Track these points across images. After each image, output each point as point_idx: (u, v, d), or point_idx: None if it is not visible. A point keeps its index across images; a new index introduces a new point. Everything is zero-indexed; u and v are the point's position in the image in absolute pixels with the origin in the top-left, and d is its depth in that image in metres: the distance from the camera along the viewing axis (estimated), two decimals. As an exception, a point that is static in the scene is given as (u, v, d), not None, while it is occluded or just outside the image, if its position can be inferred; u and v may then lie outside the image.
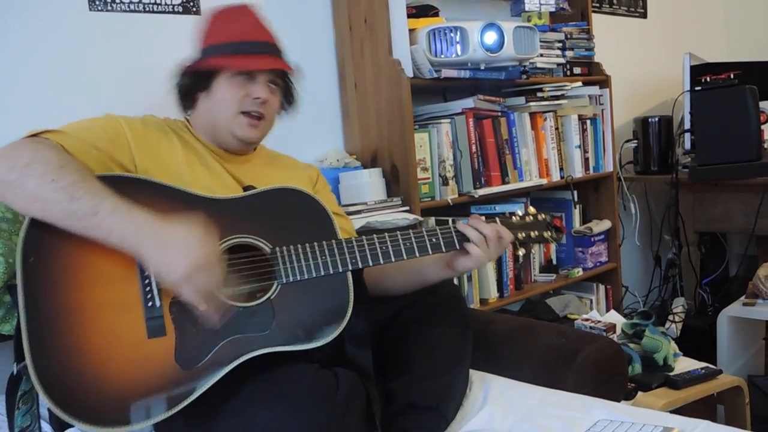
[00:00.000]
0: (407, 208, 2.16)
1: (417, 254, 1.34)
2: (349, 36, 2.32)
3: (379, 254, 1.31)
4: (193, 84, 1.45)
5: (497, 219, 1.43)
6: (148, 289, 1.18)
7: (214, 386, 1.16)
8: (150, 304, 1.17)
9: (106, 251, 1.16)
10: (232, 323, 1.20)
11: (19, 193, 1.14)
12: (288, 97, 1.55)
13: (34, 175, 1.13)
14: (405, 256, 1.33)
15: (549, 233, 1.47)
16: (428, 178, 2.24)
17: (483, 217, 1.42)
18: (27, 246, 1.15)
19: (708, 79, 2.78)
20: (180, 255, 1.12)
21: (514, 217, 1.46)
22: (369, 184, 2.15)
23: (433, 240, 1.36)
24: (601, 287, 2.85)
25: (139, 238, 1.13)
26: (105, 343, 1.14)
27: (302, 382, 1.17)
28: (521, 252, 1.47)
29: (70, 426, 1.22)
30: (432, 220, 2.26)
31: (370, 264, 1.31)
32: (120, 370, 1.13)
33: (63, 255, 1.16)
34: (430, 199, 2.24)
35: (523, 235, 1.44)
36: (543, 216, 1.48)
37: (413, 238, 1.34)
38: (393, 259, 1.32)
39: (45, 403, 1.10)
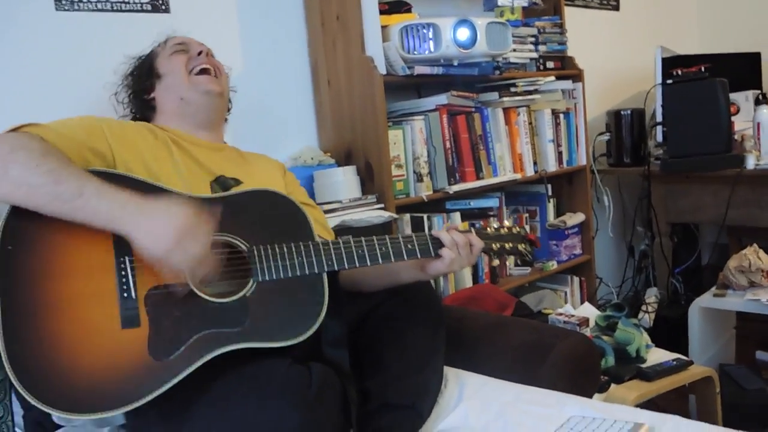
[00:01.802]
0: (382, 205, 2.16)
1: (392, 259, 1.36)
2: (321, 33, 2.31)
3: (355, 258, 1.33)
4: (142, 79, 1.60)
5: (472, 230, 1.46)
6: (124, 280, 1.19)
7: (187, 379, 1.16)
8: (126, 295, 1.18)
9: (84, 242, 1.18)
10: (207, 318, 1.21)
11: (3, 181, 1.15)
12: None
13: (18, 162, 1.15)
14: (380, 261, 1.35)
15: (523, 246, 1.50)
16: (403, 175, 2.24)
17: (459, 227, 1.47)
18: (6, 234, 1.15)
19: (679, 71, 2.82)
20: (165, 224, 1.15)
21: (489, 229, 1.50)
22: (343, 182, 2.15)
23: (409, 246, 1.38)
24: (576, 279, 2.88)
25: (123, 216, 1.15)
26: (79, 332, 1.15)
27: (275, 376, 1.18)
28: (496, 262, 1.51)
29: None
30: (407, 217, 2.27)
31: (346, 267, 1.32)
32: (93, 358, 1.14)
33: (41, 245, 1.17)
34: (404, 196, 2.24)
35: (498, 246, 1.48)
36: (518, 229, 1.52)
37: (389, 244, 1.36)
38: (369, 263, 1.34)
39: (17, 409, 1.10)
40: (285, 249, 1.28)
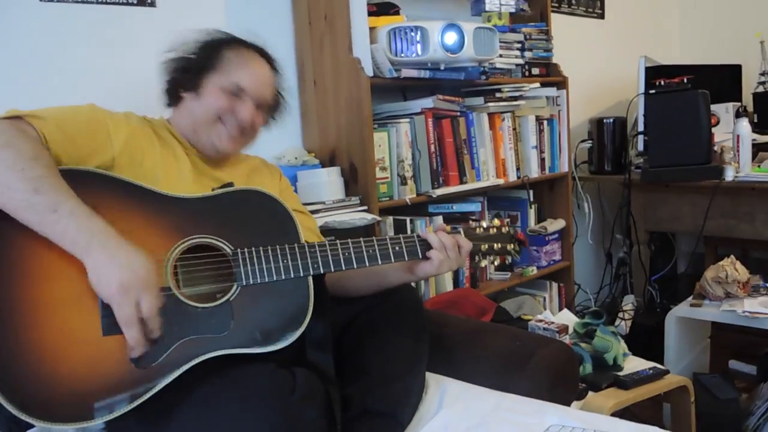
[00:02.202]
0: (365, 207, 2.15)
1: (379, 262, 1.35)
2: (308, 32, 2.29)
3: (342, 260, 1.32)
4: (183, 81, 1.44)
5: (461, 230, 1.45)
6: None
7: (169, 385, 1.15)
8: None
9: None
10: (190, 324, 1.19)
11: None
12: (275, 113, 1.56)
13: (5, 161, 1.12)
14: (367, 263, 1.34)
15: (512, 246, 1.49)
16: (387, 178, 2.24)
17: (447, 228, 1.44)
18: None
19: (662, 82, 2.84)
20: (117, 271, 1.11)
21: (478, 229, 1.48)
22: (327, 183, 2.14)
23: (396, 248, 1.37)
24: (554, 285, 2.90)
25: (88, 246, 1.12)
26: (59, 338, 1.12)
27: (258, 381, 1.17)
28: (483, 263, 1.48)
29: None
30: (390, 220, 2.26)
31: (332, 270, 1.31)
32: (73, 366, 1.12)
33: (18, 248, 1.14)
34: (388, 198, 2.24)
35: (486, 246, 1.46)
36: (507, 229, 1.50)
37: (376, 246, 1.35)
38: (355, 266, 1.33)
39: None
40: (270, 251, 1.26)
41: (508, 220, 1.57)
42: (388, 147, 2.23)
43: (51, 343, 1.12)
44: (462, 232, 1.44)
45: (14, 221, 1.13)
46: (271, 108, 1.53)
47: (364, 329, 1.45)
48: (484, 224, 1.49)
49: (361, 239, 1.35)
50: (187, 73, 1.43)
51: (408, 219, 2.30)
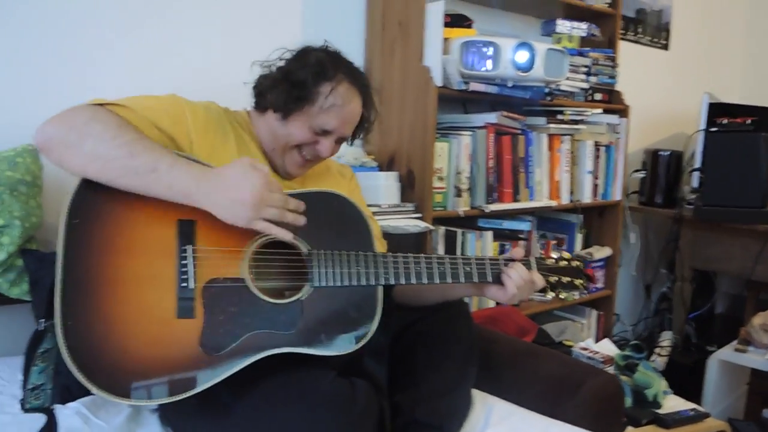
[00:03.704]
0: (420, 215, 2.16)
1: (449, 280, 1.35)
2: (380, 36, 2.30)
3: (412, 274, 1.32)
4: (275, 102, 1.40)
5: (532, 261, 1.44)
6: (184, 269, 1.18)
7: (230, 379, 1.16)
8: (184, 284, 1.18)
9: (149, 224, 1.18)
10: (260, 317, 1.21)
11: (77, 153, 1.14)
12: (353, 138, 1.54)
13: (93, 134, 1.14)
14: (437, 281, 1.34)
15: (580, 281, 1.48)
16: (443, 188, 2.24)
17: (522, 251, 1.44)
18: (74, 207, 1.15)
19: (725, 121, 2.80)
20: (241, 193, 1.14)
21: (548, 260, 1.47)
22: (384, 187, 2.15)
23: (467, 269, 1.37)
24: (594, 312, 2.87)
25: (198, 190, 1.14)
26: (134, 314, 1.14)
27: (320, 388, 1.17)
28: (550, 295, 1.47)
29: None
30: (441, 230, 2.26)
31: (402, 283, 1.31)
32: (144, 343, 1.14)
33: (107, 222, 1.16)
34: (442, 208, 2.24)
35: (555, 279, 1.46)
36: (577, 263, 1.49)
37: (448, 265, 1.35)
38: (425, 282, 1.33)
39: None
40: (344, 256, 1.27)
41: (578, 255, 1.55)
42: (447, 157, 2.23)
43: (125, 317, 1.14)
44: (534, 263, 1.44)
45: (102, 195, 1.15)
46: (354, 133, 1.52)
47: (417, 339, 1.44)
48: (555, 255, 1.49)
49: (433, 256, 1.35)
50: (279, 97, 1.39)
51: (460, 231, 2.29)
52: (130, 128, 1.19)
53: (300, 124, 1.40)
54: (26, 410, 1.37)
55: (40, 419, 1.28)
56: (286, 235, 1.20)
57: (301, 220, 1.21)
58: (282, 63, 1.43)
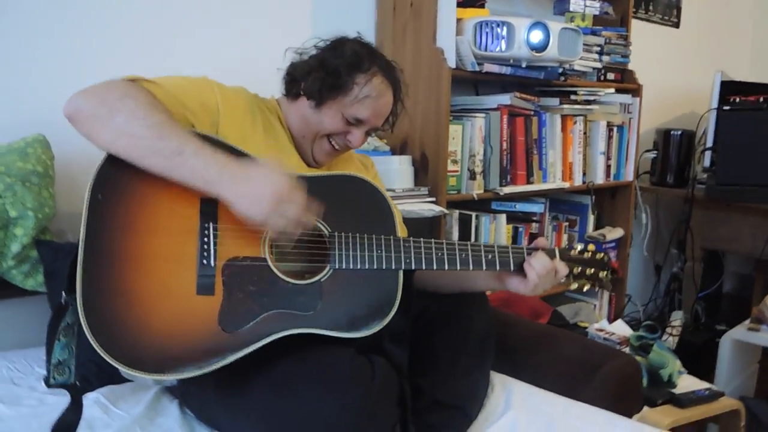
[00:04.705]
0: (434, 199, 2.15)
1: (471, 268, 1.35)
2: (392, 18, 2.28)
3: (434, 260, 1.32)
4: (308, 90, 1.41)
5: (556, 251, 1.43)
6: (206, 246, 1.19)
7: (249, 357, 1.17)
8: (205, 261, 1.18)
9: (172, 202, 1.18)
10: (279, 297, 1.21)
11: (106, 127, 1.15)
12: (383, 128, 1.55)
13: (125, 111, 1.15)
14: (458, 267, 1.34)
15: (605, 273, 1.46)
16: (456, 171, 2.23)
17: (545, 241, 1.43)
18: (98, 183, 1.16)
19: (737, 99, 2.79)
20: (262, 189, 1.14)
21: (572, 251, 1.46)
22: (398, 171, 2.14)
23: (489, 257, 1.36)
24: (605, 293, 2.87)
25: (221, 179, 1.15)
26: (154, 290, 1.15)
27: (340, 366, 1.18)
28: (574, 286, 1.46)
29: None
30: (456, 214, 2.26)
31: (423, 268, 1.31)
32: (163, 319, 1.15)
33: (131, 198, 1.17)
34: (456, 192, 2.24)
35: (579, 270, 1.44)
36: (602, 255, 1.47)
37: (470, 251, 1.35)
38: (446, 268, 1.33)
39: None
40: (366, 240, 1.27)
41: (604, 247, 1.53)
42: (461, 140, 2.23)
43: (146, 292, 1.14)
44: (558, 253, 1.42)
45: (127, 171, 1.16)
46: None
47: (435, 320, 1.45)
48: (579, 247, 1.47)
49: (456, 242, 1.35)
50: (314, 85, 1.40)
51: (474, 214, 2.29)
52: (161, 108, 1.19)
53: (333, 113, 1.41)
54: (50, 386, 1.36)
55: (57, 409, 1.25)
56: (292, 232, 1.19)
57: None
58: (316, 51, 1.44)
